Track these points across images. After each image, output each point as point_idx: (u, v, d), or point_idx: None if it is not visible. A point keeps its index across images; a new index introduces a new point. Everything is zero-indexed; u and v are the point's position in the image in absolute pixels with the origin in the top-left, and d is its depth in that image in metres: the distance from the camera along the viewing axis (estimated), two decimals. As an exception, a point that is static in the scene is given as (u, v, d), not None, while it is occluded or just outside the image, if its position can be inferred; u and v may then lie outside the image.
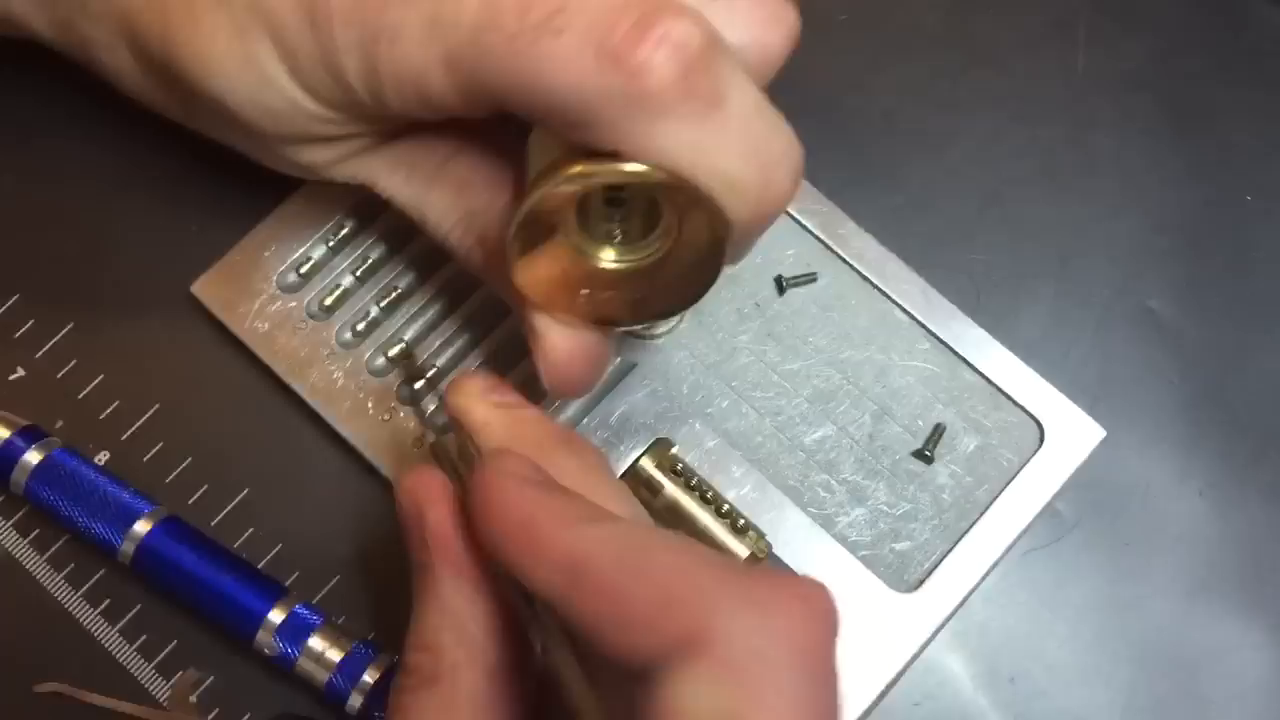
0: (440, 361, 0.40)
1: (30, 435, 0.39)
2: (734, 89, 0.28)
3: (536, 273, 0.32)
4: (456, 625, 0.29)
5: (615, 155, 0.28)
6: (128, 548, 0.38)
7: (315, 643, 0.37)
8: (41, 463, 0.38)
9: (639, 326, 0.39)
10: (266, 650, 0.37)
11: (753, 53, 0.30)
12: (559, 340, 0.33)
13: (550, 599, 0.26)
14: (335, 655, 0.37)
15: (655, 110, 0.27)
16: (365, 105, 0.31)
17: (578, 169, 0.29)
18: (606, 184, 0.29)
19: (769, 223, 0.31)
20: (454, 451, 0.32)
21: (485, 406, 0.32)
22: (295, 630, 0.37)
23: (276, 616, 0.37)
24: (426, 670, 0.29)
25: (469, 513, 0.28)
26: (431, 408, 0.36)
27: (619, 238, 0.32)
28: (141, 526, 0.38)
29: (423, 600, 0.29)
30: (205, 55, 0.32)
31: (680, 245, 0.31)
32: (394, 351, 0.40)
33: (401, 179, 0.35)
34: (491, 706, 0.29)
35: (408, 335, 0.40)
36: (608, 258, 0.32)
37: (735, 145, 0.28)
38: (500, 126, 0.33)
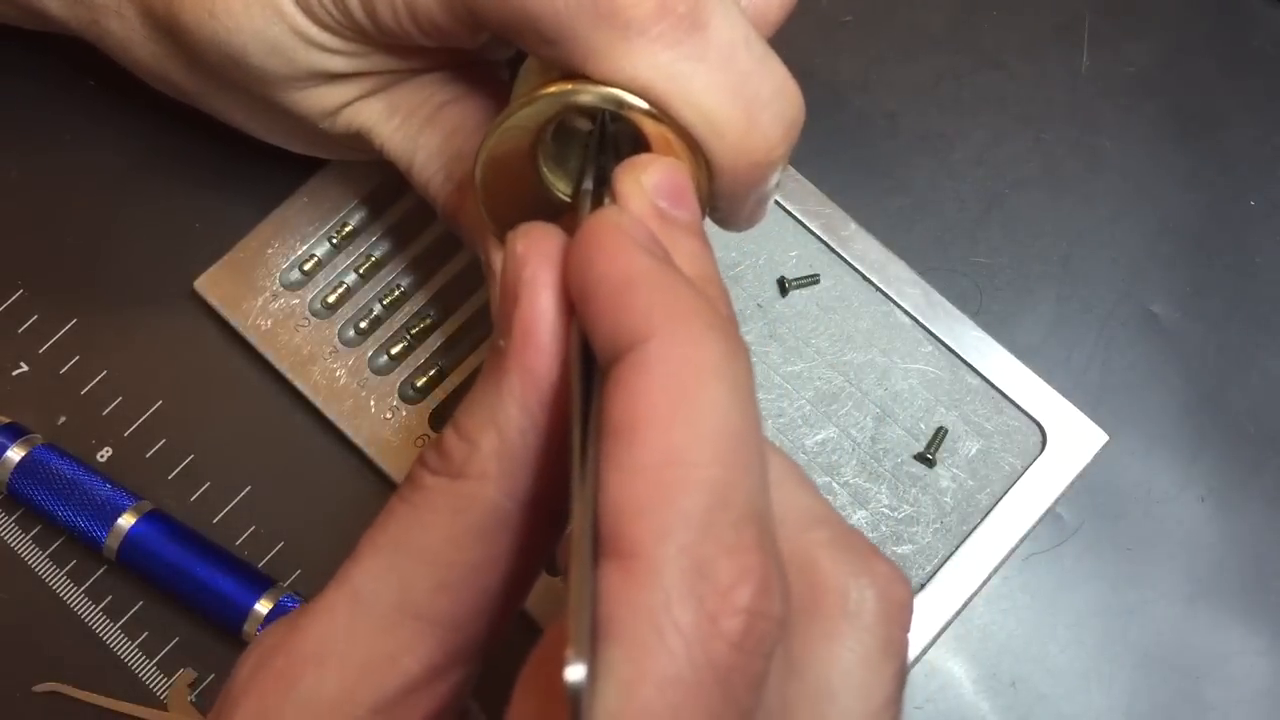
0: (442, 361, 0.40)
1: (12, 432, 0.39)
2: (717, 15, 0.27)
3: (507, 207, 0.31)
4: (503, 435, 0.24)
5: (591, 81, 0.28)
6: (112, 542, 0.38)
7: None
8: (23, 460, 0.38)
9: None
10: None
11: (748, 14, 0.29)
12: None
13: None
14: None
15: (626, 27, 0.26)
16: (364, 28, 0.32)
17: (549, 90, 0.28)
18: (578, 106, 0.28)
19: (759, 178, 0.29)
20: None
21: (647, 202, 0.26)
22: None
23: (263, 607, 0.37)
24: (457, 460, 0.24)
25: (567, 258, 0.24)
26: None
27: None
28: (125, 520, 0.38)
29: (483, 388, 0.25)
30: None
31: None
32: (415, 329, 0.40)
33: (397, 124, 0.35)
34: (496, 534, 0.25)
35: (411, 333, 0.40)
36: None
37: (715, 76, 0.27)
38: (499, 80, 0.33)
